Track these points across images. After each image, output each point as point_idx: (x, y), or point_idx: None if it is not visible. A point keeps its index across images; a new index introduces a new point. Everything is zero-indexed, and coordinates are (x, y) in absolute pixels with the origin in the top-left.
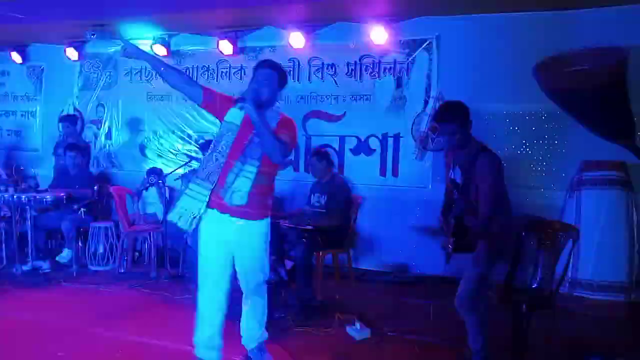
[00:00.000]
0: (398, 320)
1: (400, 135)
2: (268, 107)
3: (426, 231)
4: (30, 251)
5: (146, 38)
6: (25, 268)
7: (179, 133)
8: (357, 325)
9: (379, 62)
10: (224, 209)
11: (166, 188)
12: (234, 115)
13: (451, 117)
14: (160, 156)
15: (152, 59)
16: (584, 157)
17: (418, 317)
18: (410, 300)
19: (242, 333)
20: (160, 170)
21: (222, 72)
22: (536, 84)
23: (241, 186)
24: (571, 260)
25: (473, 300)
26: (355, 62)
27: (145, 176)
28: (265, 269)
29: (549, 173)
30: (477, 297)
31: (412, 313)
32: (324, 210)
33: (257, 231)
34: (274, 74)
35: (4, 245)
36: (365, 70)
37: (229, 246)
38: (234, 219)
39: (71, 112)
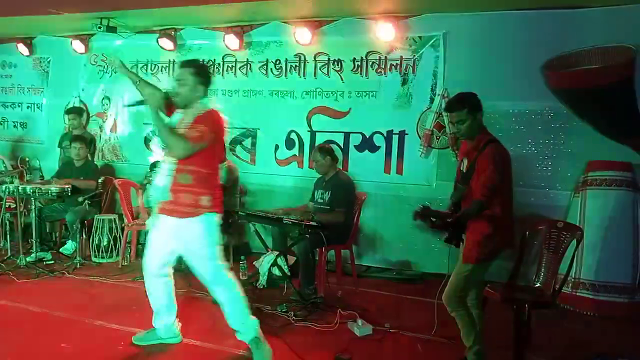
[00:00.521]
0: (400, 317)
1: (406, 132)
2: (190, 104)
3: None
4: (34, 242)
5: (153, 31)
6: (29, 259)
7: None
8: (359, 321)
9: (385, 58)
10: (158, 210)
11: None
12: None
13: (461, 104)
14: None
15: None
16: (590, 157)
17: (420, 314)
18: (413, 298)
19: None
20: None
21: (227, 66)
22: (543, 83)
23: (164, 185)
24: (575, 260)
25: (459, 296)
26: (362, 58)
27: (149, 169)
28: (212, 261)
29: (554, 172)
30: (463, 293)
31: (415, 310)
32: (327, 207)
33: (189, 228)
34: (187, 73)
35: (8, 236)
36: (371, 67)
37: (169, 244)
38: (165, 217)
39: (77, 104)
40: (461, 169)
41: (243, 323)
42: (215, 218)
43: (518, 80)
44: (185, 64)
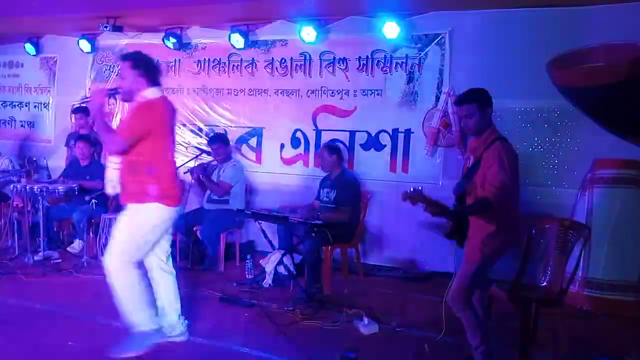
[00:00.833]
0: (407, 315)
1: (411, 130)
2: (132, 97)
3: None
4: (41, 241)
5: (159, 30)
6: (36, 258)
7: (190, 126)
8: (365, 320)
9: (391, 57)
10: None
11: None
12: None
13: (470, 98)
14: None
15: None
16: (597, 155)
17: (427, 312)
18: (419, 296)
19: None
20: None
21: (233, 65)
22: (549, 80)
23: (113, 177)
24: (582, 259)
25: (465, 296)
26: (367, 56)
27: None
28: (138, 247)
29: (561, 170)
30: (469, 293)
31: (420, 309)
32: (333, 205)
33: (133, 214)
34: (125, 66)
35: (16, 235)
36: (377, 65)
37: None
38: (126, 207)
39: (83, 103)
40: (468, 165)
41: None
42: (162, 209)
43: (524, 78)
44: (123, 57)
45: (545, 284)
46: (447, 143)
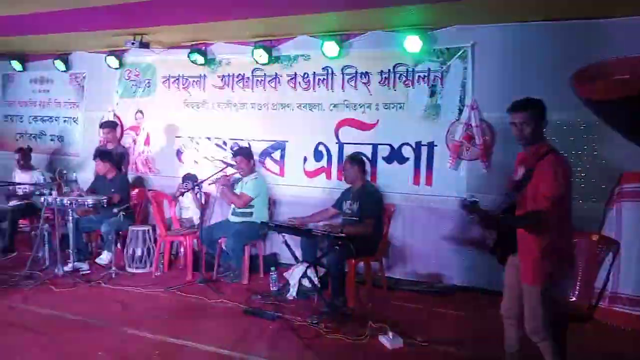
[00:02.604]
0: (431, 330)
1: (434, 143)
2: None
3: (460, 241)
4: (71, 252)
5: (184, 46)
6: (66, 269)
7: (214, 139)
8: (390, 334)
9: (413, 70)
10: None
11: (202, 193)
12: None
13: (527, 106)
14: (196, 162)
15: None
16: (624, 169)
17: (452, 328)
18: (444, 311)
19: None
20: (196, 175)
21: (257, 80)
22: (573, 93)
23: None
24: (611, 274)
25: (542, 323)
26: (389, 70)
27: (181, 181)
28: None
29: (588, 184)
30: (546, 319)
31: (446, 324)
32: (356, 218)
33: None
34: None
35: (47, 246)
36: (399, 79)
37: None
38: None
39: (111, 118)
40: (515, 177)
41: None
42: None
43: (548, 91)
44: None
45: (574, 299)
46: (471, 156)
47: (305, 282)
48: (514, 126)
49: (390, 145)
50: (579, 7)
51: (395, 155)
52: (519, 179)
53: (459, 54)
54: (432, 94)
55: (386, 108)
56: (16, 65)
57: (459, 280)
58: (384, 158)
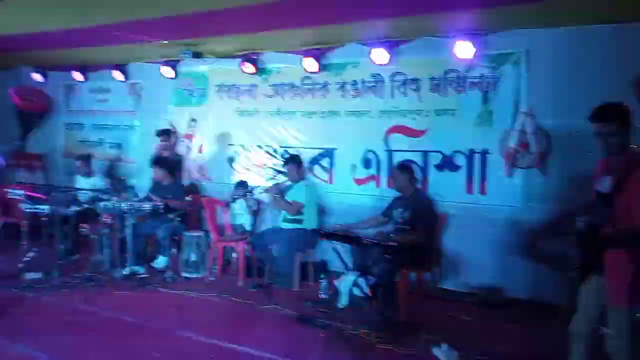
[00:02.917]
0: (487, 344)
1: (488, 151)
2: None
3: (517, 252)
4: (128, 256)
5: (236, 56)
6: (124, 272)
7: (266, 147)
8: (444, 346)
9: (464, 76)
10: None
11: (254, 200)
12: None
13: (610, 115)
14: (248, 169)
15: None
16: None
17: (509, 342)
18: (500, 324)
19: None
20: (247, 183)
21: (306, 88)
22: (635, 99)
23: None
24: None
25: (630, 346)
26: (440, 76)
27: (234, 188)
28: None
29: None
30: (633, 344)
31: (502, 337)
32: (407, 226)
33: None
34: None
35: (106, 250)
36: (450, 85)
37: None
38: None
39: (166, 126)
40: (599, 188)
41: None
42: None
43: (605, 96)
44: None
45: None
46: (526, 164)
47: (356, 291)
48: (599, 137)
49: (441, 152)
50: (636, 8)
51: (447, 163)
52: (610, 192)
53: (512, 59)
54: (485, 100)
55: (437, 115)
56: (77, 76)
57: (517, 292)
58: (435, 166)
